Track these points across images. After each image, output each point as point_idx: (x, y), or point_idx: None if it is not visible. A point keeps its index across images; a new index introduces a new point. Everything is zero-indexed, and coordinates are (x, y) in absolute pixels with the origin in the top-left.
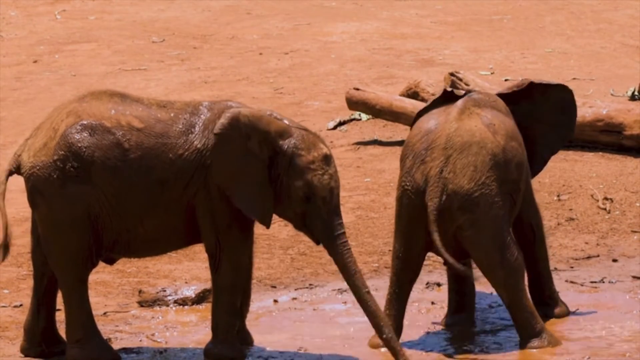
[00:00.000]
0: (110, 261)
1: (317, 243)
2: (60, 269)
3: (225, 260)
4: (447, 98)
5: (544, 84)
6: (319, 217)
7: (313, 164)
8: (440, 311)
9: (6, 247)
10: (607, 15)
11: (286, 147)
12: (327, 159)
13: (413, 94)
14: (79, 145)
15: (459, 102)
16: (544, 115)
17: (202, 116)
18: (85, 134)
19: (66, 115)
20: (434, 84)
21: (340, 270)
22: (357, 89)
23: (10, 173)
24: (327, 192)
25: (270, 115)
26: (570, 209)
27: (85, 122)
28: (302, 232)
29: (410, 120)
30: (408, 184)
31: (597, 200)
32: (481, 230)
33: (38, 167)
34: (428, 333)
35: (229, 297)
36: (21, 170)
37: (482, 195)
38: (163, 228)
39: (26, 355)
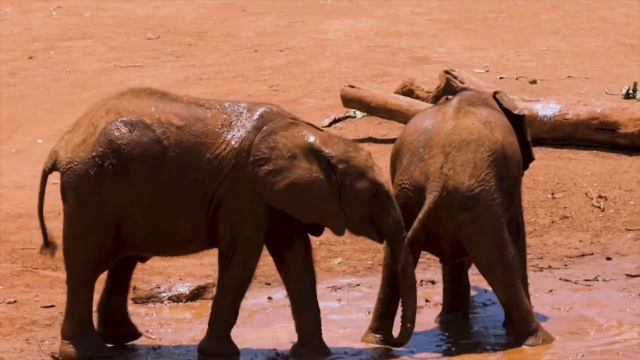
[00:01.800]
0: (142, 259)
1: (381, 241)
2: (73, 265)
3: (238, 260)
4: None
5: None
6: (388, 214)
7: (368, 162)
8: (434, 309)
9: (50, 244)
10: (602, 13)
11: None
12: (371, 155)
13: (408, 92)
14: (119, 142)
15: (454, 101)
16: None
17: (240, 116)
18: (125, 131)
19: (106, 112)
20: (428, 82)
21: (401, 268)
22: (352, 87)
23: (46, 172)
24: (388, 186)
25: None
26: (565, 207)
27: (125, 119)
28: (363, 235)
29: (405, 118)
30: (406, 182)
31: (592, 199)
32: (481, 228)
33: (75, 163)
34: (422, 331)
35: (233, 296)
36: (57, 166)
37: (483, 191)
38: (195, 227)
39: (105, 340)
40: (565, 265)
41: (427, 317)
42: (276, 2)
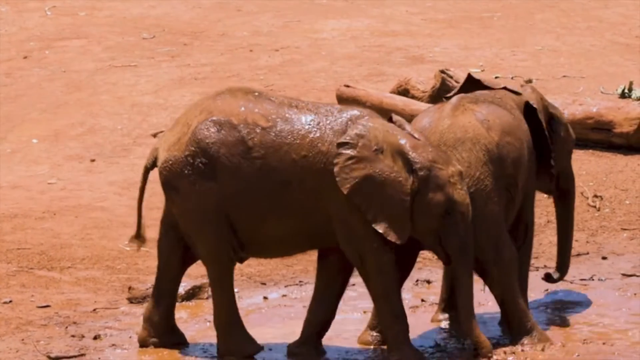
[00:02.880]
0: (240, 260)
1: (447, 262)
2: (207, 261)
3: (370, 269)
4: (473, 85)
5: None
6: (457, 234)
7: (452, 179)
8: (430, 308)
9: (141, 236)
10: (597, 13)
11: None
12: (462, 175)
13: (403, 92)
14: (207, 141)
15: (453, 99)
16: None
17: (328, 117)
18: (214, 130)
19: (200, 111)
20: (424, 82)
21: (457, 287)
22: (348, 86)
23: (148, 169)
24: (465, 207)
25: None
26: None
27: (215, 119)
28: (432, 250)
29: (401, 117)
30: None
31: (587, 198)
32: (476, 227)
33: (171, 162)
34: (417, 330)
35: (386, 306)
36: (157, 163)
37: (477, 191)
38: (287, 229)
39: (144, 346)
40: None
41: (423, 316)
42: (271, 2)
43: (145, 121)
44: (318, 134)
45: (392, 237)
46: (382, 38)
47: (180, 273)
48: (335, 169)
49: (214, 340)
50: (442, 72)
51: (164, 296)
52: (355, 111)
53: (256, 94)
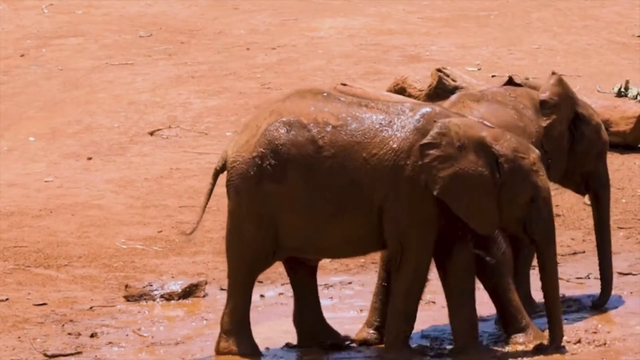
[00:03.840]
0: (310, 261)
1: (530, 244)
2: (232, 261)
3: (405, 264)
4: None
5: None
6: (542, 220)
7: (535, 166)
8: (426, 307)
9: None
10: (593, 12)
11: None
12: (540, 159)
13: (400, 90)
14: (277, 142)
15: (453, 96)
16: None
17: (400, 116)
18: (283, 131)
19: (269, 113)
20: (421, 80)
21: (545, 271)
22: (344, 85)
23: (218, 171)
24: (548, 192)
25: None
26: (557, 205)
27: (284, 119)
28: (514, 234)
29: None
30: None
31: (584, 197)
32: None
33: (238, 163)
34: (415, 328)
35: (403, 302)
36: (225, 166)
37: None
38: (354, 228)
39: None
40: (558, 263)
41: (420, 314)
42: (268, 0)
43: (142, 119)
44: (389, 132)
45: (482, 231)
46: (379, 36)
47: (314, 273)
48: (423, 170)
49: (212, 339)
50: (439, 70)
51: (306, 299)
52: (427, 108)
53: (325, 94)
